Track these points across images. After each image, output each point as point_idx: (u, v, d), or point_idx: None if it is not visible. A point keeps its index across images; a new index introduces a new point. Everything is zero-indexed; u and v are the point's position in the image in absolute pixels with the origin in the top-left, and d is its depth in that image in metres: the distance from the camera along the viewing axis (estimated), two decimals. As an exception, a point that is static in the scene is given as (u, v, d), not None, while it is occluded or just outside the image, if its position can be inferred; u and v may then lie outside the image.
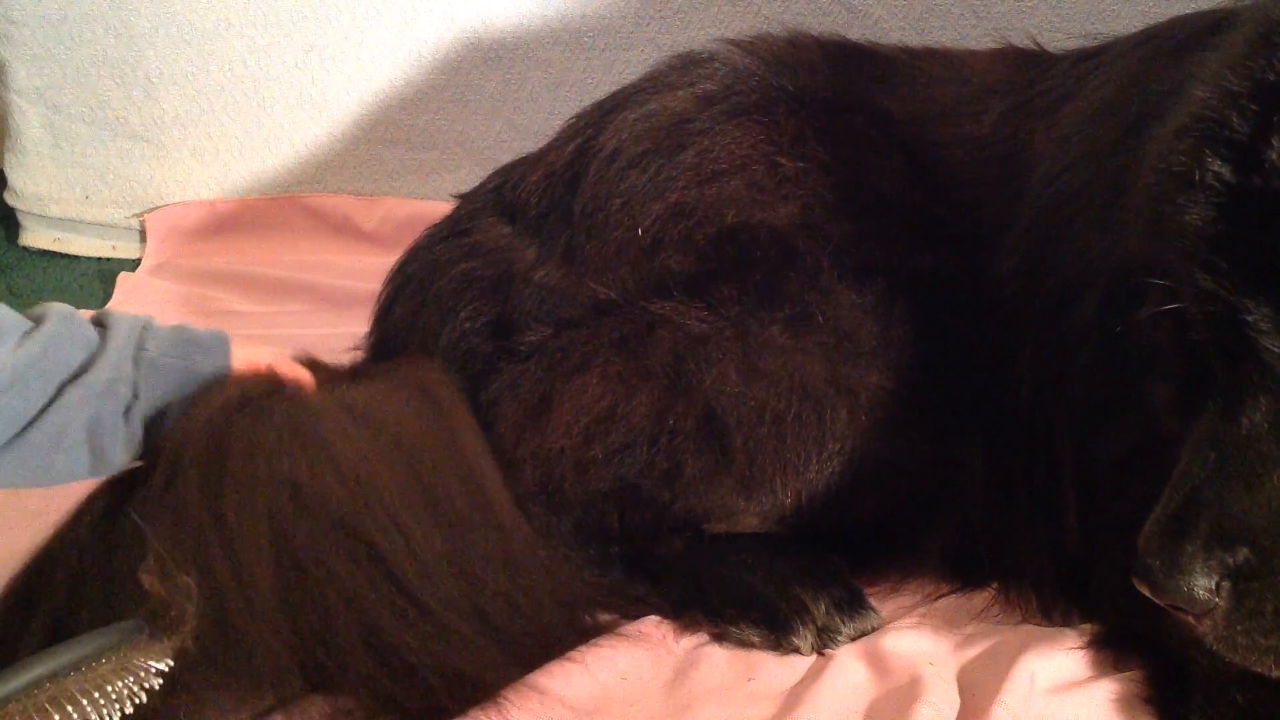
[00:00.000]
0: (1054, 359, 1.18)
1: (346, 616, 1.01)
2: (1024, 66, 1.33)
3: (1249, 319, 0.82)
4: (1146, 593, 0.87)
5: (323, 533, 1.04)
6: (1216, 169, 0.83)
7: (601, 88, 1.43)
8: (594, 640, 1.13)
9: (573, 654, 1.11)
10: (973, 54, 1.38)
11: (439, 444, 1.16)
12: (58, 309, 1.08)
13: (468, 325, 1.27)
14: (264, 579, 1.00)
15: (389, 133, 2.08)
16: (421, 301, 1.32)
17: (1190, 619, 0.86)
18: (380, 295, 1.38)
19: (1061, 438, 1.18)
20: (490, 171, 1.43)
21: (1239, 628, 0.84)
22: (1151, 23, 1.40)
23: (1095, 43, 1.31)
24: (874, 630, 1.17)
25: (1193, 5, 1.66)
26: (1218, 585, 0.84)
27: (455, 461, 1.16)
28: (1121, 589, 1.00)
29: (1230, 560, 0.83)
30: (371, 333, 1.37)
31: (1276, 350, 0.82)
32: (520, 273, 1.27)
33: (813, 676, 1.12)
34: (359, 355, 1.37)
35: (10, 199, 2.19)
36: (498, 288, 1.28)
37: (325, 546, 1.03)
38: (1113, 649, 1.10)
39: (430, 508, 1.10)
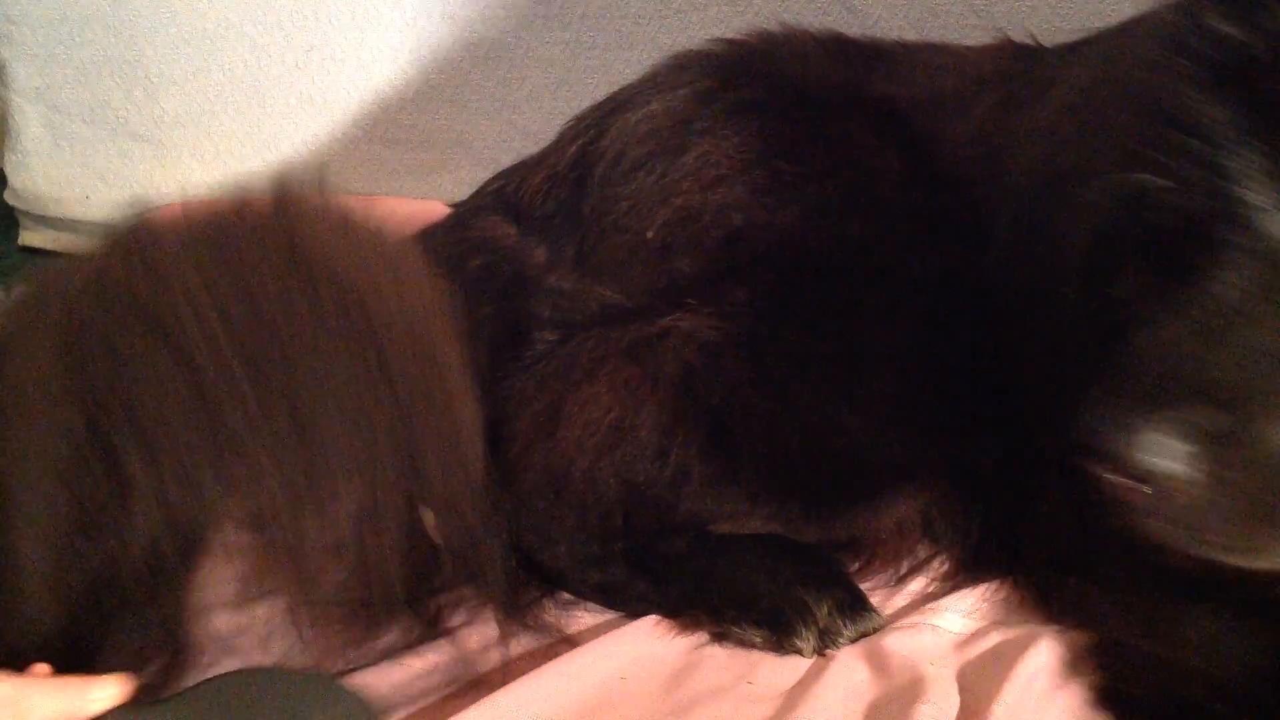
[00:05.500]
0: (1043, 344, 1.14)
1: None
2: (1017, 60, 1.32)
3: (1232, 173, 0.75)
4: (1100, 469, 0.76)
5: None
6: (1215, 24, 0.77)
7: (601, 88, 1.43)
8: (592, 640, 1.13)
9: (571, 654, 1.12)
10: (971, 49, 1.38)
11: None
12: None
13: (480, 328, 1.25)
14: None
15: (389, 133, 2.08)
16: None
17: (1143, 498, 0.75)
18: None
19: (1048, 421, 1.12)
20: (490, 172, 1.43)
21: (1205, 503, 0.73)
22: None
23: (1082, 36, 1.30)
24: (876, 631, 1.17)
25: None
26: (1186, 452, 0.73)
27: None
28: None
29: (1204, 424, 0.73)
30: None
31: (1259, 203, 0.74)
32: (532, 276, 1.27)
33: (813, 677, 1.12)
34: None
35: (10, 199, 2.19)
36: (510, 289, 1.27)
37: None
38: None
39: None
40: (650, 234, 1.23)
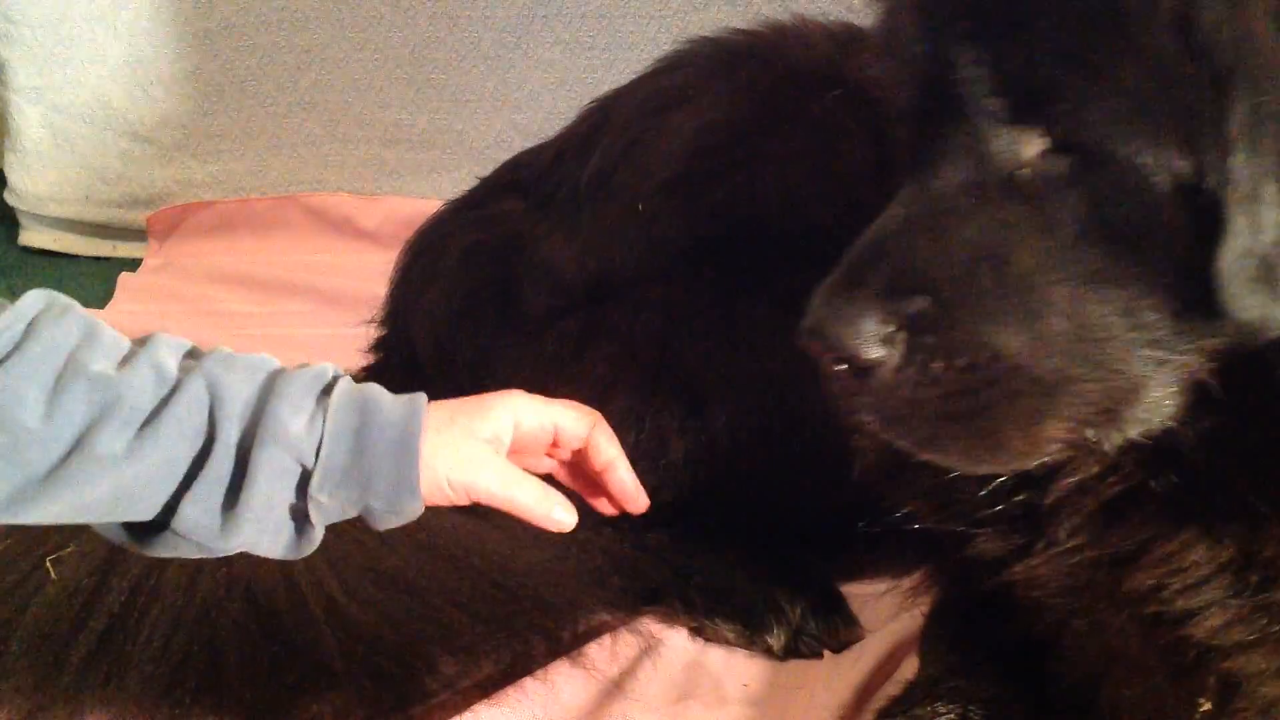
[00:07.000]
0: None
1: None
2: None
3: (958, 70, 0.73)
4: (811, 349, 0.76)
5: None
6: None
7: (601, 88, 1.43)
8: (590, 643, 1.14)
9: (571, 655, 1.12)
10: None
11: None
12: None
13: (478, 294, 1.30)
14: None
15: (389, 133, 2.08)
16: (433, 273, 1.34)
17: (853, 383, 0.75)
18: (396, 265, 1.41)
19: None
20: (490, 172, 1.45)
21: (904, 389, 0.73)
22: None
23: None
24: (855, 638, 1.17)
25: None
26: (891, 335, 0.73)
27: None
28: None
29: (906, 308, 0.73)
30: (386, 302, 1.42)
31: (980, 101, 0.73)
32: (529, 245, 1.29)
33: (810, 679, 1.12)
34: (370, 358, 1.41)
35: (10, 199, 2.19)
36: (506, 259, 1.29)
37: None
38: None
39: None
40: (641, 205, 1.25)
